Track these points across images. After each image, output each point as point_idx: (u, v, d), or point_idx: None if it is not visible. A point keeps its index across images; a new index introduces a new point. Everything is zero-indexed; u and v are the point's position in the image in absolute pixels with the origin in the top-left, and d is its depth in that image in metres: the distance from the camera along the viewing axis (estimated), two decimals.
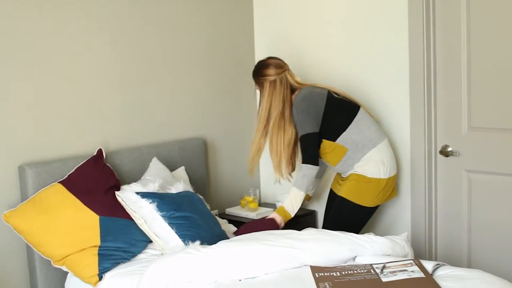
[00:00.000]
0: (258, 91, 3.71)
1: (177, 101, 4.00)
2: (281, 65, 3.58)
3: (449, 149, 3.67)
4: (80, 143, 3.47)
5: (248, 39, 4.47)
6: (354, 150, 3.49)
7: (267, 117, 3.56)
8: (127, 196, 3.17)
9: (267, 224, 3.42)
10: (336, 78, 4.00)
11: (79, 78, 3.47)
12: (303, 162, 3.49)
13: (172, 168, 3.67)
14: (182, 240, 3.04)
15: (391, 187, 3.59)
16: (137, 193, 3.17)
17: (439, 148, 3.72)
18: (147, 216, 3.12)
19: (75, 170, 3.28)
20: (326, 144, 3.53)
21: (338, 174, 3.72)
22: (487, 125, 3.53)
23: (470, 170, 3.63)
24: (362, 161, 3.49)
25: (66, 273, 3.14)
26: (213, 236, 3.16)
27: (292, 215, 3.53)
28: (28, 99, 3.25)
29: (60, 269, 3.13)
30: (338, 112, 3.52)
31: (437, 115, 3.71)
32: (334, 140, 3.51)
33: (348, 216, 3.54)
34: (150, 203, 3.13)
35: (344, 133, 3.49)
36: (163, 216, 3.11)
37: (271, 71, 3.55)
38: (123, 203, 3.19)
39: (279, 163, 3.61)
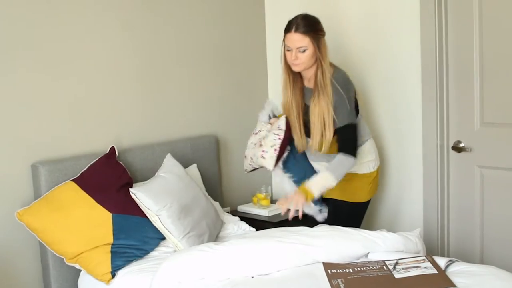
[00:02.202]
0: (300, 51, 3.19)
1: (189, 98, 4.00)
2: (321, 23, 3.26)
3: (462, 144, 3.65)
4: (93, 141, 3.49)
5: (259, 36, 4.47)
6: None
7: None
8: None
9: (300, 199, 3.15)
10: (348, 73, 3.99)
11: (92, 76, 3.48)
12: (345, 152, 3.18)
13: (184, 165, 3.67)
14: None
15: (378, 178, 3.52)
16: None
17: (451, 144, 3.70)
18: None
19: (88, 168, 3.30)
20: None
21: None
22: (499, 121, 3.51)
23: (482, 166, 3.61)
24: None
25: (79, 271, 3.15)
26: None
27: (317, 195, 3.18)
28: (40, 98, 3.26)
29: (73, 267, 3.15)
30: (355, 105, 3.30)
31: (449, 110, 3.69)
32: None
33: (346, 216, 3.42)
34: None
35: None
36: None
37: (322, 26, 3.22)
38: (137, 200, 3.20)
39: (322, 133, 3.22)
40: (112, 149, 3.43)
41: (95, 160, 3.34)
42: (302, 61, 3.17)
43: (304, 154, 3.47)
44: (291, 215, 3.12)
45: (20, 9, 3.15)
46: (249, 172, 3.61)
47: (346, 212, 3.45)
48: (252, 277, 2.66)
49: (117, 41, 3.59)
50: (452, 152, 3.71)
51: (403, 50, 3.78)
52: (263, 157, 3.32)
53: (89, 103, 3.48)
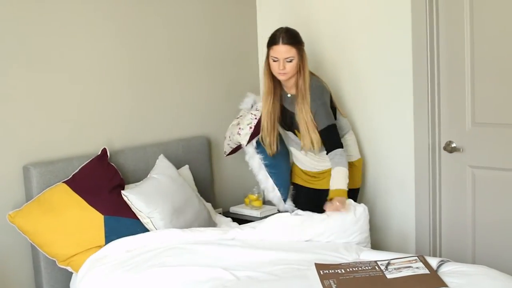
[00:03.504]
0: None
1: (180, 99, 4.00)
2: None
3: (453, 145, 3.66)
4: (84, 143, 3.48)
5: (251, 38, 4.47)
6: None
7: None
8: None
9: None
10: (339, 74, 4.00)
11: (82, 78, 3.47)
12: (337, 148, 3.44)
13: (176, 166, 3.67)
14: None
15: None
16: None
17: (443, 144, 3.71)
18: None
19: (80, 169, 3.29)
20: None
21: (302, 172, 3.81)
22: (491, 121, 3.52)
23: (474, 166, 3.62)
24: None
25: (71, 273, 3.14)
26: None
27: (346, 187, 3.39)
28: (32, 99, 3.25)
29: (65, 269, 3.14)
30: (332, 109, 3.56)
31: (440, 111, 3.70)
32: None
33: None
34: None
35: None
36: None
37: (301, 38, 3.50)
38: (128, 202, 3.20)
39: (309, 136, 3.49)
40: (104, 150, 3.42)
41: (87, 161, 3.33)
42: (288, 70, 3.42)
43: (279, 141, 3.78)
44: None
45: (12, 11, 3.15)
46: (227, 155, 4.01)
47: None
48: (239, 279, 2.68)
49: (108, 43, 3.59)
50: (444, 153, 3.72)
51: (394, 51, 3.78)
52: (238, 134, 3.77)
53: (81, 104, 3.47)
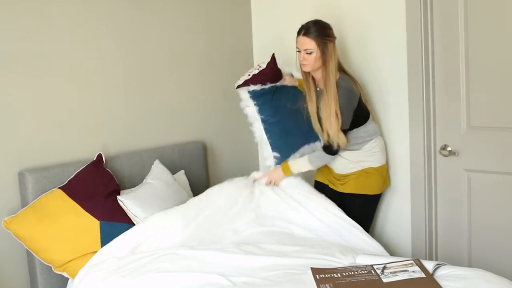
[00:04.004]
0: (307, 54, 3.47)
1: (176, 105, 4.00)
2: (332, 29, 3.53)
3: (449, 148, 3.67)
4: (80, 148, 3.47)
5: (246, 42, 4.48)
6: (353, 143, 3.59)
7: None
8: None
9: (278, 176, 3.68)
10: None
11: (77, 83, 3.47)
12: (325, 151, 3.55)
13: (172, 171, 3.67)
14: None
15: (386, 173, 3.80)
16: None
17: (438, 148, 3.72)
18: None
19: (75, 175, 3.29)
20: None
21: (331, 173, 3.78)
22: (486, 124, 3.53)
23: (469, 170, 3.63)
24: (363, 151, 3.62)
25: (67, 279, 3.14)
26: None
27: (293, 173, 3.67)
28: (27, 105, 3.25)
29: (61, 275, 3.13)
30: (357, 117, 3.55)
31: (436, 114, 3.71)
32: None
33: (359, 208, 3.63)
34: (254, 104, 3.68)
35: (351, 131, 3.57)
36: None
37: (333, 32, 3.51)
38: (124, 208, 3.20)
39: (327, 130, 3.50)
40: (99, 156, 3.42)
41: (82, 167, 3.33)
42: (308, 62, 3.46)
43: (282, 107, 3.75)
44: (266, 183, 3.67)
45: (6, 18, 3.14)
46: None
47: (361, 205, 3.66)
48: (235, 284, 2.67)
49: (103, 49, 3.59)
50: (439, 156, 3.72)
51: (389, 55, 3.79)
52: (238, 79, 3.74)
53: (76, 110, 3.47)
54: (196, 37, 4.11)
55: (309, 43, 3.43)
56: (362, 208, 3.66)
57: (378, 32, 3.83)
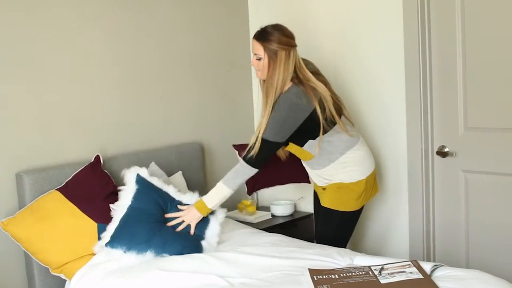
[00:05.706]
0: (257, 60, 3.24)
1: (173, 106, 4.00)
2: (292, 36, 3.22)
3: (446, 149, 3.67)
4: (77, 150, 3.47)
5: (243, 43, 4.47)
6: (321, 156, 3.31)
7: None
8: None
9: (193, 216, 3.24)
10: (332, 79, 3.99)
11: (75, 85, 3.47)
12: (245, 159, 3.20)
13: (169, 173, 3.67)
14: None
15: (372, 184, 3.42)
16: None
17: (436, 149, 3.72)
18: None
19: (73, 177, 3.28)
20: (292, 146, 3.34)
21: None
22: (483, 125, 3.53)
23: (467, 170, 3.63)
24: (333, 166, 3.31)
25: (65, 280, 3.13)
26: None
27: (212, 209, 3.26)
28: (25, 106, 3.25)
29: (58, 276, 3.12)
30: (314, 128, 3.22)
31: (433, 115, 3.71)
32: (301, 146, 3.31)
33: (336, 224, 3.40)
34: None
35: (313, 140, 3.27)
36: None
37: (289, 40, 3.19)
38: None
39: None
40: (97, 157, 3.41)
41: (80, 169, 3.32)
42: (258, 68, 3.23)
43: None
44: (180, 228, 3.20)
45: (4, 19, 3.15)
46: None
47: (338, 221, 3.39)
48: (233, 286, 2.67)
49: (100, 50, 3.59)
50: (437, 157, 3.73)
51: (386, 56, 3.79)
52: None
53: (73, 111, 3.47)
54: (193, 38, 4.11)
55: (259, 49, 3.18)
56: (340, 224, 3.41)
57: (374, 33, 3.83)
